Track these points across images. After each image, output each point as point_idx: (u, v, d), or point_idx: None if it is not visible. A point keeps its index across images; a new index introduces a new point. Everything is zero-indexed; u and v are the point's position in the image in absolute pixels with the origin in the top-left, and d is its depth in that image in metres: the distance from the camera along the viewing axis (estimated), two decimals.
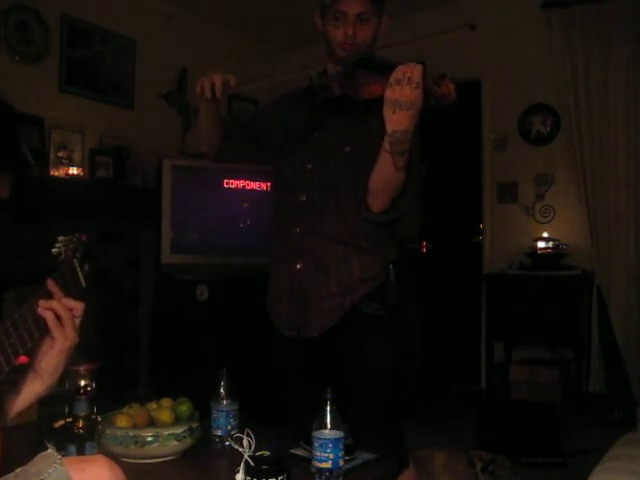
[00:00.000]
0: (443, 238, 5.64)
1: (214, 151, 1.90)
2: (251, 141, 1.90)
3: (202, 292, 3.72)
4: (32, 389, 1.15)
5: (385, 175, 1.59)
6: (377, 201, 1.66)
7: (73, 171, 3.53)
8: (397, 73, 1.44)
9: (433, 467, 2.45)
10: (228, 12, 4.40)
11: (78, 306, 1.16)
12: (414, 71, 1.43)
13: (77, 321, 1.16)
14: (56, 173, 3.50)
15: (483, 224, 4.62)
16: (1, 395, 1.13)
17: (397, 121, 1.47)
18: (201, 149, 1.94)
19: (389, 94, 1.45)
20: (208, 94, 1.63)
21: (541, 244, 4.09)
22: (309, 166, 1.76)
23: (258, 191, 4.03)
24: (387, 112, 1.48)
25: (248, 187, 4.02)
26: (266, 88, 2.11)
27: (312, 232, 1.74)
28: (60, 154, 3.53)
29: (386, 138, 1.51)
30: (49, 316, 1.12)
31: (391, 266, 1.72)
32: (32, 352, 1.13)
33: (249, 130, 1.92)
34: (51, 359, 1.14)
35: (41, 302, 1.11)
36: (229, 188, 3.96)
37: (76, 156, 3.62)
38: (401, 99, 1.44)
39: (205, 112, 1.79)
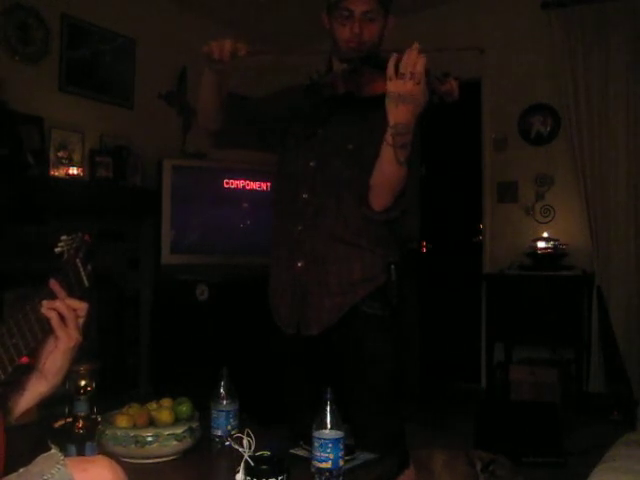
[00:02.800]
0: (443, 238, 5.64)
1: (216, 127, 1.84)
2: (251, 122, 1.87)
3: (202, 292, 3.72)
4: (36, 389, 1.16)
5: (387, 170, 1.58)
6: (378, 198, 1.65)
7: (73, 171, 3.53)
8: (401, 67, 1.44)
9: (433, 467, 2.45)
10: (228, 12, 4.40)
11: (82, 306, 1.16)
12: (417, 66, 1.43)
13: (80, 321, 1.16)
14: (56, 173, 3.49)
15: (483, 224, 4.63)
16: (6, 395, 1.14)
17: (399, 114, 1.47)
18: (202, 125, 1.87)
19: (392, 87, 1.46)
20: (217, 54, 1.60)
21: (541, 244, 4.09)
22: (312, 164, 1.76)
23: (258, 191, 4.03)
24: (390, 105, 1.48)
25: (248, 187, 4.02)
26: (267, 87, 2.10)
27: (313, 230, 1.73)
28: (60, 154, 3.53)
29: (388, 130, 1.51)
30: (53, 316, 1.12)
31: (392, 266, 1.72)
32: (35, 352, 1.13)
33: (250, 111, 1.89)
34: (55, 359, 1.15)
35: (45, 302, 1.11)
36: (229, 188, 3.96)
37: (76, 156, 3.62)
38: (404, 93, 1.45)
39: (208, 81, 1.73)
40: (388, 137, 1.52)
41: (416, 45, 1.44)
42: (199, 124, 1.89)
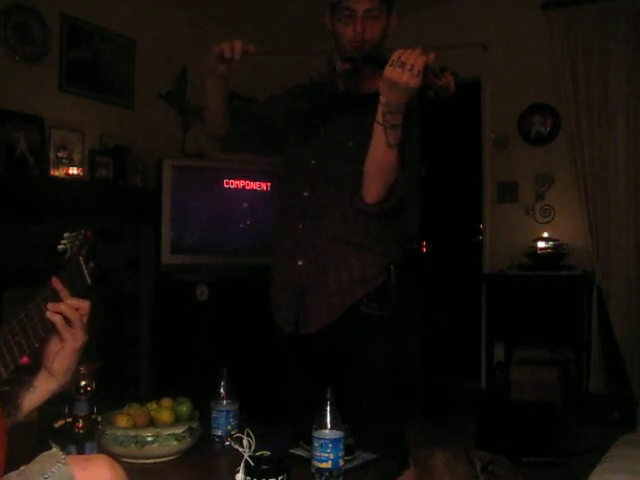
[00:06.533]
0: (443, 238, 5.63)
1: (224, 132, 1.86)
2: (257, 126, 1.89)
3: (202, 292, 3.72)
4: (46, 387, 1.17)
5: (377, 151, 1.58)
6: (370, 187, 1.65)
7: (73, 171, 3.53)
8: (403, 56, 1.45)
9: (433, 467, 2.45)
10: (228, 12, 4.40)
11: (84, 304, 1.16)
12: (418, 61, 1.43)
13: (85, 319, 1.16)
14: (56, 173, 3.49)
15: (483, 224, 4.62)
16: (15, 392, 1.14)
17: (392, 96, 1.49)
18: (210, 132, 1.90)
19: (389, 73, 1.47)
20: (228, 54, 1.60)
21: (541, 244, 4.09)
22: (313, 161, 1.77)
23: (258, 191, 4.03)
24: (383, 87, 1.50)
25: (248, 187, 4.01)
26: (267, 87, 2.10)
27: (314, 229, 1.74)
28: (60, 154, 3.52)
29: (379, 108, 1.52)
30: (58, 320, 1.11)
31: (392, 266, 1.72)
32: (38, 351, 1.13)
33: (255, 114, 1.90)
34: (63, 360, 1.15)
35: (49, 306, 1.11)
36: (229, 188, 3.95)
37: (76, 156, 3.61)
38: (400, 82, 1.46)
39: (213, 90, 1.75)
40: (379, 116, 1.53)
41: (420, 49, 1.45)
42: (207, 132, 1.91)
